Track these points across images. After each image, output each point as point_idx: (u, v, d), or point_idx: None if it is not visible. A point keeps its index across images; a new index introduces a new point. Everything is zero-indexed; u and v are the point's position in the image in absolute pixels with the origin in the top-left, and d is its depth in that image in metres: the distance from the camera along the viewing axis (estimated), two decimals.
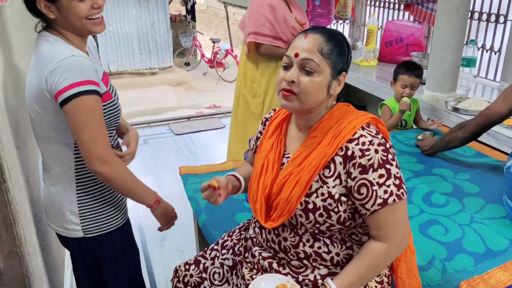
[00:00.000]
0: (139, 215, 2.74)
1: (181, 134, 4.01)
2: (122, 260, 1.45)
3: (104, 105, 1.22)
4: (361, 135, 1.11)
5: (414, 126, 2.76)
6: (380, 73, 3.59)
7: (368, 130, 1.13)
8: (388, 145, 1.12)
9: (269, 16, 2.60)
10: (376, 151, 1.09)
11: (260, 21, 2.59)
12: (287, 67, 1.13)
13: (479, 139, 2.46)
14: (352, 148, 1.10)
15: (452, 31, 2.64)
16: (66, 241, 1.40)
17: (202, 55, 7.49)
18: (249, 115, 2.87)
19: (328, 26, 4.14)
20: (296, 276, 1.19)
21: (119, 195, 1.41)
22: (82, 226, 1.32)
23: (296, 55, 1.10)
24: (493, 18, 3.13)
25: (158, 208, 1.44)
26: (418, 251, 1.56)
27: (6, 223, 1.25)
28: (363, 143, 1.10)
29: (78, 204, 1.31)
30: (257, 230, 1.30)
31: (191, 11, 7.73)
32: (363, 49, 4.03)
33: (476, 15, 3.22)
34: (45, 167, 1.32)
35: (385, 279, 1.26)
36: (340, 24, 4.66)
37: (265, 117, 1.37)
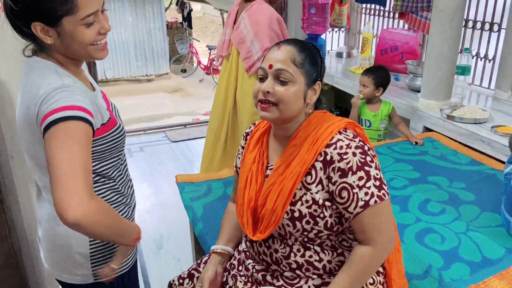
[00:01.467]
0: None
1: (177, 141, 4.01)
2: None
3: (110, 133, 1.11)
4: (338, 139, 1.13)
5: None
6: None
7: (345, 134, 1.15)
8: (366, 148, 1.13)
9: (278, 31, 2.52)
10: (354, 154, 1.10)
11: (272, 36, 2.48)
12: (262, 79, 1.16)
13: (475, 147, 2.48)
14: (331, 152, 1.12)
15: (447, 40, 2.66)
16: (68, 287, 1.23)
17: (199, 62, 7.51)
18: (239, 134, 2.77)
19: (324, 35, 4.18)
20: (290, 287, 1.20)
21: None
22: (93, 271, 1.17)
23: (270, 66, 1.13)
24: (487, 26, 3.17)
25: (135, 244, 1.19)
26: (414, 260, 1.57)
27: (1, 234, 1.24)
28: (341, 147, 1.11)
29: (90, 245, 1.15)
30: (248, 244, 1.30)
31: (188, 18, 7.76)
32: (358, 57, 4.06)
33: (470, 24, 3.25)
34: (48, 205, 1.14)
35: (379, 280, 1.26)
36: (336, 32, 4.69)
37: (245, 132, 1.38)
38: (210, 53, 7.19)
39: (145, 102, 6.31)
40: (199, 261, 1.47)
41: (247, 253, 1.31)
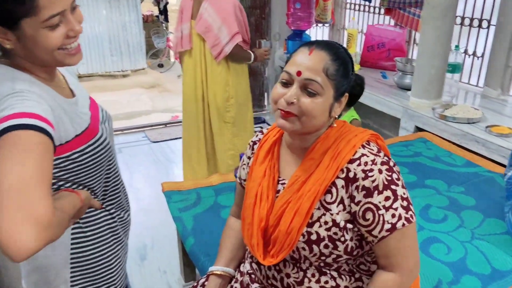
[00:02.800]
0: None
1: (158, 142, 3.84)
2: None
3: (88, 146, 0.97)
4: (363, 154, 1.02)
5: None
6: None
7: (369, 148, 1.04)
8: (391, 163, 1.02)
9: (241, 18, 2.55)
10: (380, 171, 0.99)
11: (239, 21, 2.52)
12: (286, 84, 1.02)
13: (469, 147, 2.43)
14: (354, 169, 1.00)
15: (439, 37, 2.59)
16: None
17: (176, 57, 7.29)
18: (221, 123, 2.71)
19: (308, 30, 4.07)
20: None
21: (122, 255, 1.15)
22: None
23: (299, 73, 0.99)
24: (476, 23, 3.12)
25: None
26: (423, 274, 1.48)
27: None
28: (365, 163, 1.00)
29: (71, 268, 1.04)
30: (254, 265, 1.18)
31: (164, 12, 7.51)
32: None
33: (458, 20, 3.20)
34: None
35: None
36: (320, 27, 4.59)
37: (252, 141, 1.24)
38: None
39: (121, 98, 6.07)
40: (195, 284, 1.34)
41: (253, 276, 1.19)
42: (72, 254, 1.03)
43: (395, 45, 3.63)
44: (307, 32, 3.97)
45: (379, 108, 3.10)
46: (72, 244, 1.02)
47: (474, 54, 3.18)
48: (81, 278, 1.05)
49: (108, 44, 6.78)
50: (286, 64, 1.04)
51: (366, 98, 3.21)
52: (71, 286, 1.05)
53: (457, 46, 2.90)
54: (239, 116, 2.74)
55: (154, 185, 2.84)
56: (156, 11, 7.76)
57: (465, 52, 3.21)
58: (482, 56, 3.13)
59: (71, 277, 1.04)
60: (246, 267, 1.23)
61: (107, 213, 1.09)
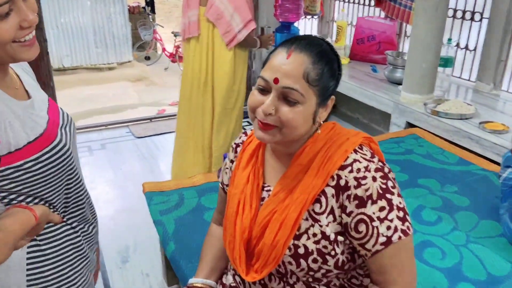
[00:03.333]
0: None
1: (142, 137, 3.71)
2: None
3: (44, 152, 0.86)
4: (355, 160, 0.92)
5: None
6: (352, 72, 3.45)
7: (361, 153, 0.95)
8: (386, 170, 0.93)
9: (250, 4, 2.54)
10: (374, 179, 0.90)
11: (250, 7, 2.52)
12: (263, 91, 0.92)
13: (462, 144, 2.36)
14: (345, 176, 0.91)
15: (432, 30, 2.51)
16: None
17: (163, 49, 7.14)
18: (224, 109, 2.70)
19: (296, 23, 3.96)
20: None
21: (87, 272, 1.03)
22: None
23: (276, 80, 0.88)
24: (468, 15, 3.04)
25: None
26: (417, 281, 1.41)
27: None
28: (358, 170, 0.91)
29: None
30: (237, 278, 1.09)
31: (151, 3, 7.34)
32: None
33: (450, 12, 3.12)
34: None
35: None
36: (309, 19, 4.49)
37: (235, 143, 1.15)
38: (175, 39, 6.83)
39: (106, 92, 5.91)
40: None
41: None
42: (28, 275, 0.91)
43: (386, 38, 3.54)
44: (295, 24, 3.86)
45: (369, 103, 3.02)
46: (28, 264, 0.90)
47: (466, 47, 3.11)
48: None
49: (92, 36, 6.60)
50: (263, 67, 0.94)
51: (355, 93, 3.13)
52: None
53: (449, 40, 2.83)
54: (239, 103, 2.75)
55: (138, 183, 2.71)
56: (142, 2, 7.58)
57: (457, 45, 3.13)
58: (475, 49, 3.06)
59: None
60: (228, 279, 1.14)
61: (68, 227, 0.98)
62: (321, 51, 0.91)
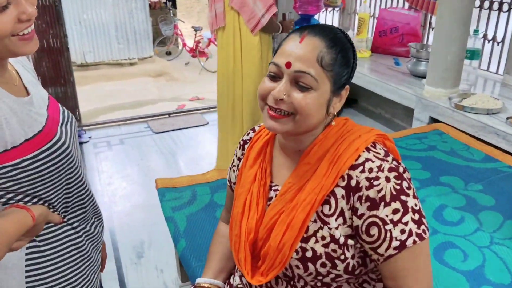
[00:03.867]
0: (113, 229, 2.46)
1: (160, 133, 3.71)
2: None
3: (42, 150, 0.84)
4: (367, 159, 0.87)
5: None
6: (373, 65, 3.35)
7: (374, 151, 0.88)
8: (401, 170, 0.87)
9: None
10: (387, 179, 0.84)
11: None
12: (274, 78, 0.87)
13: (488, 140, 2.25)
14: (357, 176, 0.86)
15: (457, 21, 2.40)
16: None
17: (184, 44, 7.15)
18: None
19: (317, 15, 3.88)
20: None
21: (90, 274, 1.01)
22: None
23: (288, 64, 0.84)
24: (495, 6, 2.90)
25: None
26: (435, 284, 1.34)
27: None
28: (370, 170, 0.85)
29: None
30: (244, 280, 1.05)
31: None
32: (354, 39, 3.78)
33: (477, 3, 2.98)
34: None
35: None
36: (329, 12, 4.39)
37: (242, 139, 1.10)
38: (195, 34, 6.82)
39: (127, 87, 5.95)
40: None
41: None
42: (28, 277, 0.89)
43: (409, 30, 3.42)
44: (315, 17, 3.78)
45: (391, 97, 2.93)
46: (27, 266, 0.89)
47: (493, 39, 2.97)
48: None
49: (114, 32, 6.65)
50: (274, 54, 0.89)
51: (377, 87, 3.04)
52: None
53: (476, 31, 2.70)
54: None
55: (155, 178, 2.73)
56: None
57: (484, 37, 3.00)
58: (502, 41, 2.92)
59: None
60: (236, 280, 1.10)
61: (69, 227, 0.95)
62: (335, 37, 0.87)
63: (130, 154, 3.38)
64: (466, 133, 2.36)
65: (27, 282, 0.89)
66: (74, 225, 0.96)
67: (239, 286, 1.08)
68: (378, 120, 3.73)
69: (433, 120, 2.60)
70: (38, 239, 0.89)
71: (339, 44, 0.86)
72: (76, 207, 0.97)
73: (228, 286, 1.13)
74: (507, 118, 2.22)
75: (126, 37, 6.78)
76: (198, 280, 1.14)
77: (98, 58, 6.67)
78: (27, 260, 0.88)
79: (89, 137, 3.62)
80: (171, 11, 7.35)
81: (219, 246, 1.17)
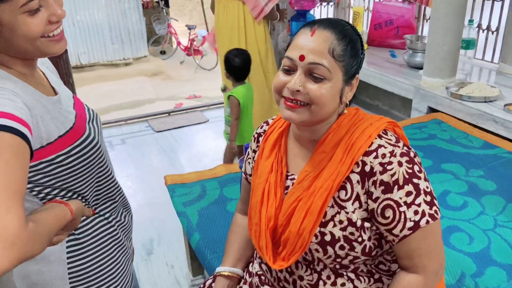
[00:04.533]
0: None
1: (161, 131, 3.74)
2: None
3: (74, 147, 0.88)
4: (379, 146, 0.91)
5: None
6: (371, 58, 3.39)
7: (386, 138, 0.93)
8: (412, 154, 0.92)
9: None
10: (400, 164, 0.89)
11: None
12: (288, 71, 0.91)
13: (486, 128, 2.31)
14: (371, 162, 0.90)
15: (452, 11, 2.45)
16: None
17: (178, 43, 7.15)
18: (263, 74, 3.12)
19: (312, 10, 3.91)
20: None
21: (125, 261, 1.06)
22: None
23: (302, 57, 0.88)
24: None
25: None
26: (445, 267, 1.39)
27: None
28: (383, 155, 0.89)
29: (71, 284, 0.95)
30: (264, 266, 1.09)
31: None
32: None
33: None
34: None
35: None
36: (324, 6, 4.43)
37: (256, 132, 1.14)
38: (190, 33, 6.83)
39: (124, 87, 5.96)
40: (201, 286, 1.25)
41: (262, 278, 1.10)
42: (69, 268, 0.94)
43: (404, 22, 3.47)
44: (311, 12, 3.82)
45: (389, 89, 2.97)
46: (68, 258, 0.94)
47: (488, 28, 3.02)
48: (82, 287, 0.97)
49: (108, 32, 6.65)
50: (287, 49, 0.93)
51: (375, 79, 3.09)
52: None
53: (471, 21, 2.75)
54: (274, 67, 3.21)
55: (159, 176, 2.74)
56: None
57: (479, 26, 3.05)
58: (497, 30, 2.98)
59: None
60: (255, 267, 1.14)
61: (102, 218, 1.00)
62: (344, 29, 0.91)
63: (132, 153, 3.41)
64: (465, 121, 2.41)
65: (69, 273, 0.94)
66: (107, 215, 1.01)
67: (258, 272, 1.12)
68: (376, 112, 3.78)
69: (432, 110, 2.65)
70: (76, 232, 0.94)
71: (348, 36, 0.90)
72: (107, 199, 1.01)
73: (247, 273, 1.18)
74: (505, 105, 2.27)
75: (120, 38, 6.78)
76: (218, 269, 1.18)
77: (93, 59, 6.67)
78: (68, 253, 0.93)
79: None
80: (164, 10, 7.34)
81: (237, 236, 1.21)
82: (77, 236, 0.94)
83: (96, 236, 0.98)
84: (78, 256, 0.95)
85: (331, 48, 0.88)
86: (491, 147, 2.15)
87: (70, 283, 0.96)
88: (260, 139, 1.11)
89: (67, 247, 0.93)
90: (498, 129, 2.24)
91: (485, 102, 2.36)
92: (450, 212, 1.65)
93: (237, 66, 2.45)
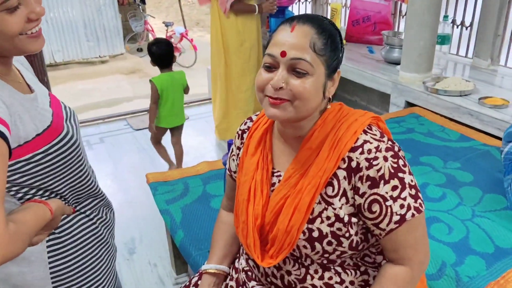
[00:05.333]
0: None
1: (141, 129, 3.69)
2: None
3: (52, 145, 0.87)
4: (365, 141, 0.92)
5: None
6: (349, 54, 3.42)
7: (371, 133, 0.94)
8: (396, 149, 0.94)
9: None
10: (385, 159, 0.90)
11: None
12: (270, 68, 0.91)
13: (462, 121, 2.37)
14: (357, 158, 0.91)
15: (428, 7, 2.49)
16: None
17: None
18: (241, 63, 3.24)
19: (290, 7, 3.93)
20: None
21: (108, 259, 1.06)
22: None
23: (283, 53, 0.88)
24: None
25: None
26: None
27: None
28: (369, 151, 0.91)
29: (53, 283, 0.94)
30: (251, 262, 1.09)
31: None
32: None
33: None
34: None
35: None
36: (302, 3, 4.45)
37: (240, 129, 1.13)
38: (167, 30, 6.76)
39: (100, 86, 5.85)
40: (187, 283, 1.24)
41: (249, 274, 1.10)
42: (51, 268, 0.93)
43: (381, 18, 3.52)
44: (289, 8, 3.83)
45: (367, 84, 3.01)
46: (49, 257, 0.92)
47: (462, 24, 3.09)
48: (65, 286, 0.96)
49: (83, 29, 6.51)
50: (267, 47, 0.93)
51: (353, 74, 3.12)
52: None
53: (445, 17, 2.81)
54: (254, 54, 3.29)
55: (140, 175, 2.73)
56: None
57: (453, 22, 3.12)
58: (471, 25, 3.05)
59: None
60: (241, 263, 1.15)
61: (83, 216, 0.99)
62: (323, 24, 0.91)
63: (111, 152, 3.36)
64: (441, 115, 2.47)
65: (51, 273, 0.92)
66: (88, 213, 1.00)
67: (245, 268, 1.12)
68: (355, 107, 3.81)
69: (409, 104, 2.70)
70: (57, 231, 0.92)
71: (327, 30, 0.91)
72: (87, 196, 1.00)
73: (234, 270, 1.18)
74: (479, 99, 2.33)
75: (96, 35, 6.65)
76: (204, 267, 1.17)
77: (67, 57, 6.53)
78: (48, 252, 0.92)
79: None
80: (140, 7, 7.23)
81: (222, 233, 1.20)
82: (58, 235, 0.93)
83: (78, 234, 0.96)
84: (60, 255, 0.94)
85: (312, 42, 0.88)
86: (467, 139, 2.21)
87: (53, 283, 0.94)
88: (245, 135, 1.11)
89: (48, 246, 0.92)
90: (473, 122, 2.30)
91: (460, 96, 2.42)
92: (429, 203, 1.69)
93: (155, 54, 2.68)
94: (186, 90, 2.82)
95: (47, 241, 0.92)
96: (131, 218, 2.52)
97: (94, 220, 1.01)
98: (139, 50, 7.34)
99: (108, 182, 2.93)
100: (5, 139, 0.69)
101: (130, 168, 3.12)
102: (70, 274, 0.95)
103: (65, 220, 0.94)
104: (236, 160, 1.13)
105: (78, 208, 0.98)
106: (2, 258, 0.64)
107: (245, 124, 1.13)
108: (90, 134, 3.67)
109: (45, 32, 6.15)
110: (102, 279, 1.03)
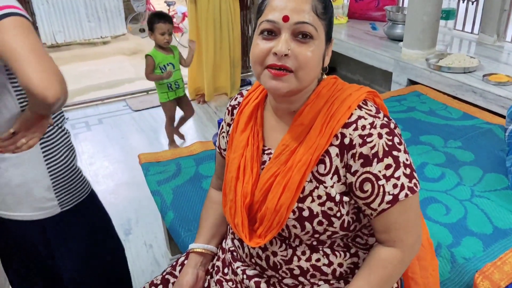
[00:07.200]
0: None
1: (140, 110, 3.65)
2: (101, 231, 1.36)
3: None
4: (359, 117, 0.86)
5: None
6: (351, 31, 3.34)
7: (366, 109, 0.88)
8: (392, 126, 0.88)
9: None
10: (380, 136, 0.84)
11: None
12: (269, 35, 0.84)
13: (465, 99, 2.30)
14: (350, 134, 0.86)
15: None
16: (28, 228, 1.18)
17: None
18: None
19: None
20: None
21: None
22: (58, 201, 1.17)
23: (286, 18, 0.81)
24: None
25: None
26: None
27: None
28: (363, 127, 0.85)
29: (50, 176, 1.14)
30: (236, 242, 1.06)
31: None
32: None
33: None
34: None
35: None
36: None
37: (230, 105, 1.08)
38: (169, 9, 6.66)
39: (102, 67, 5.80)
40: (174, 263, 1.22)
41: (235, 254, 1.07)
42: (47, 165, 1.13)
43: None
44: None
45: (369, 62, 2.94)
46: (44, 157, 1.12)
47: None
48: (62, 180, 1.16)
49: (84, 10, 6.43)
50: (260, 14, 0.86)
51: (355, 52, 3.04)
52: (55, 190, 1.15)
53: None
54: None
55: (137, 156, 2.70)
56: None
57: None
58: (477, 1, 2.94)
59: (53, 182, 1.14)
60: (228, 243, 1.11)
61: (58, 127, 1.17)
62: None
63: (110, 133, 3.33)
64: (444, 93, 2.40)
65: (48, 170, 1.13)
66: (62, 127, 1.20)
67: (231, 248, 1.09)
68: None
69: (411, 82, 2.63)
70: (45, 135, 1.11)
71: None
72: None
73: (221, 250, 1.15)
74: (484, 76, 2.25)
75: (97, 15, 6.56)
76: (191, 246, 1.14)
77: (69, 38, 6.46)
78: (43, 152, 1.11)
79: (66, 118, 3.55)
80: None
81: (211, 212, 1.17)
82: (47, 138, 1.12)
83: (61, 139, 1.16)
84: (52, 153, 1.13)
85: (314, 5, 0.83)
86: (469, 118, 2.14)
87: (52, 179, 1.14)
88: (235, 111, 1.06)
89: (41, 148, 1.11)
90: (476, 100, 2.22)
91: (464, 73, 2.34)
92: (428, 183, 1.64)
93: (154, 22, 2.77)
94: (182, 61, 2.87)
95: (40, 144, 1.10)
96: (128, 199, 2.51)
97: (65, 131, 1.20)
98: (141, 30, 7.25)
99: (105, 163, 2.91)
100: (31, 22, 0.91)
101: (128, 149, 3.09)
102: (62, 168, 1.15)
103: (49, 129, 1.12)
104: (226, 137, 1.08)
105: (55, 123, 1.16)
106: (65, 92, 0.92)
107: (235, 99, 1.08)
108: (89, 115, 3.65)
109: (46, 12, 6.10)
110: (81, 174, 1.25)
